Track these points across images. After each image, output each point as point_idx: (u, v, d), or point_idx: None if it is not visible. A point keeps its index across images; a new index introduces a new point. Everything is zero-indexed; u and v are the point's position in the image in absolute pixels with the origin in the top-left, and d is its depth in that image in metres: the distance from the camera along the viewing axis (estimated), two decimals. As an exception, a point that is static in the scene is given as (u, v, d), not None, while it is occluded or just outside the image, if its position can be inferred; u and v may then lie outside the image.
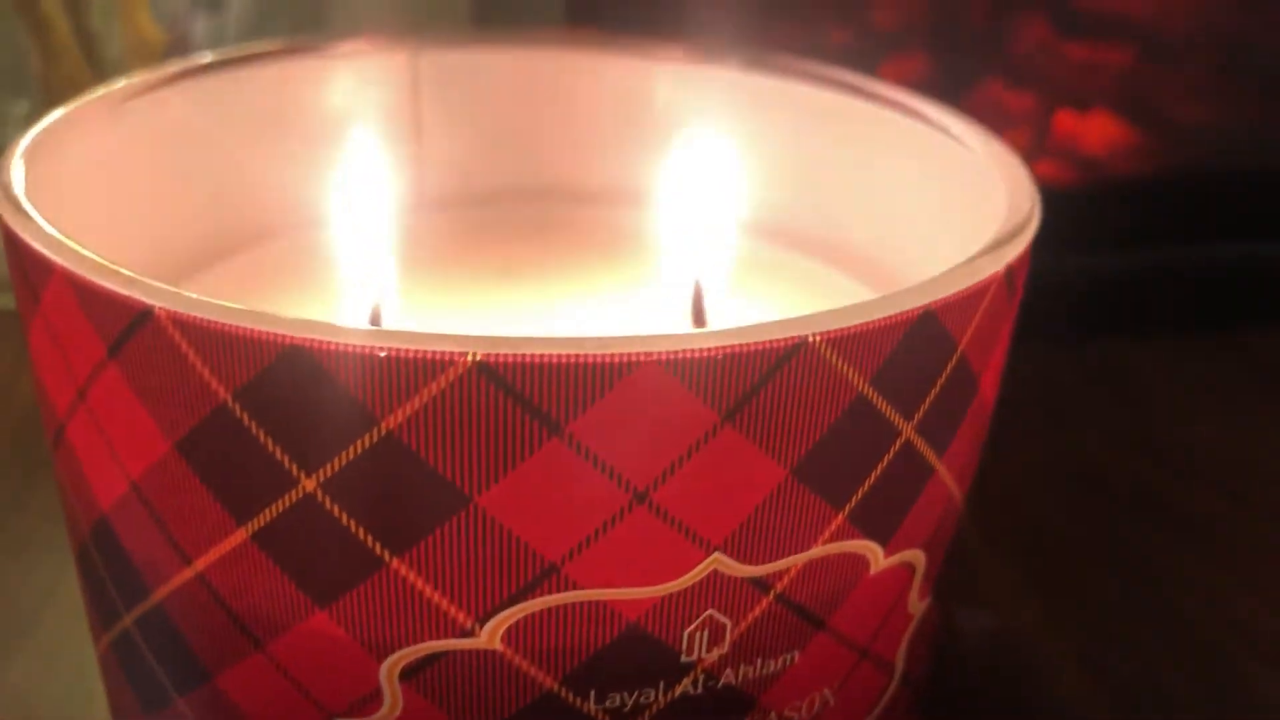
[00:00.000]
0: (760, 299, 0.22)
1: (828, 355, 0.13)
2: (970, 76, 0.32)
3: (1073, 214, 0.34)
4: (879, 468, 0.15)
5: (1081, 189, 0.34)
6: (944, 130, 0.20)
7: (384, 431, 0.13)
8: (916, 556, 0.16)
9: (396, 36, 0.23)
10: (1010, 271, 0.15)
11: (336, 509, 0.13)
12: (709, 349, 0.13)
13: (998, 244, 0.15)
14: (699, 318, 0.21)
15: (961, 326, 0.15)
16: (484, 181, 0.24)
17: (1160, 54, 0.33)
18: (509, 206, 0.24)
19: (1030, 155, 0.33)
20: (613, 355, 0.12)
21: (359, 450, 0.13)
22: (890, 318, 0.14)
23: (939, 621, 0.18)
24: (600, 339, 0.13)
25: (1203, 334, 0.34)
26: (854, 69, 0.32)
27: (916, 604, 0.17)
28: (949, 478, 0.16)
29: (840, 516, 0.15)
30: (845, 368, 0.14)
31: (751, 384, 0.13)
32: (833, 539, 0.15)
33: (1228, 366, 0.34)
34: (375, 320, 0.19)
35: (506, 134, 0.24)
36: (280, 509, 0.14)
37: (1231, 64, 0.34)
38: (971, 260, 0.15)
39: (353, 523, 0.13)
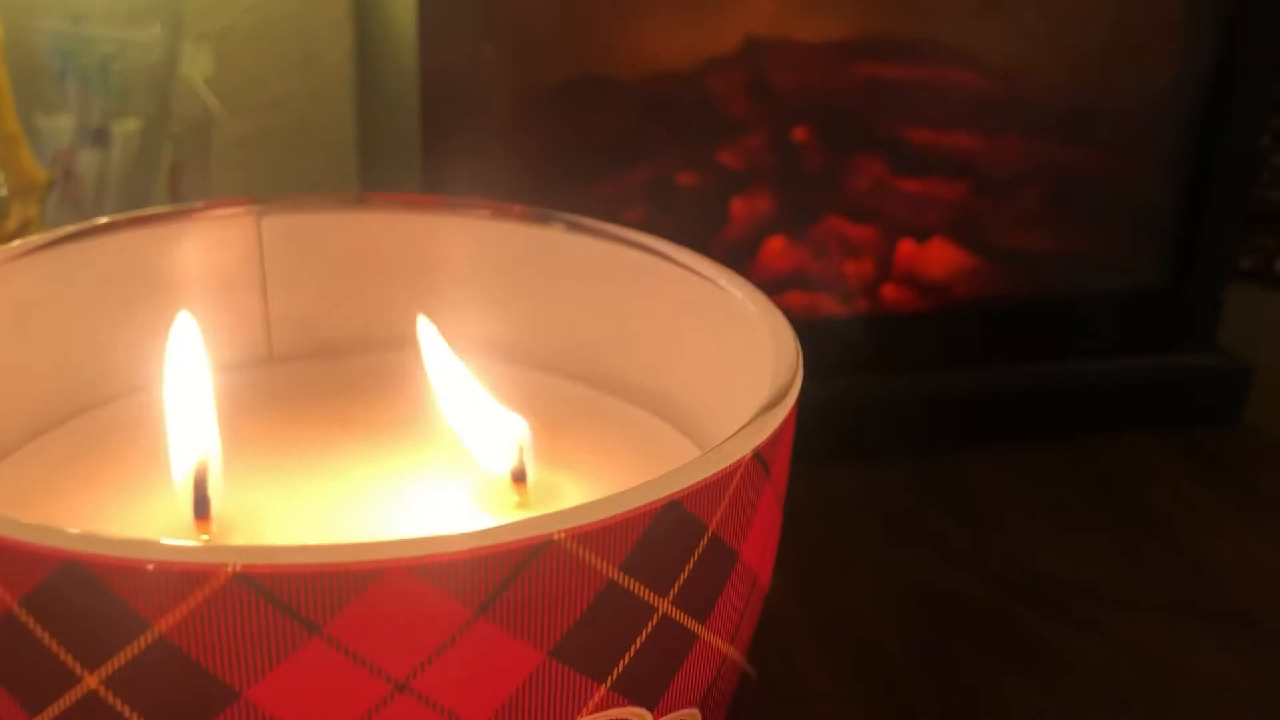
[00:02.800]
0: (585, 444, 0.24)
1: (574, 549, 0.15)
2: (815, 212, 0.34)
3: (915, 335, 0.36)
4: (637, 642, 0.16)
5: (923, 312, 0.36)
6: (728, 292, 0.21)
7: (156, 635, 0.14)
8: (691, 714, 0.17)
9: (241, 202, 0.25)
10: (759, 453, 0.17)
11: (119, 703, 0.14)
12: (455, 553, 0.14)
13: (746, 426, 0.17)
14: (520, 472, 0.22)
15: (709, 510, 0.16)
16: (327, 335, 0.26)
17: (993, 187, 0.35)
18: (351, 359, 0.26)
19: (874, 281, 0.35)
20: (361, 563, 0.14)
21: (135, 651, 0.14)
22: (634, 510, 0.15)
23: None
24: (351, 546, 0.14)
25: (1040, 448, 0.36)
26: (704, 208, 0.34)
27: (697, 756, 0.18)
28: (718, 640, 0.17)
29: (603, 688, 0.16)
30: (593, 558, 0.15)
31: (501, 580, 0.14)
32: (598, 708, 0.16)
33: (1065, 480, 0.35)
34: (201, 481, 0.20)
35: (347, 290, 0.26)
36: (67, 703, 0.15)
37: (1060, 195, 0.36)
38: (718, 447, 0.16)
39: (135, 715, 0.14)
